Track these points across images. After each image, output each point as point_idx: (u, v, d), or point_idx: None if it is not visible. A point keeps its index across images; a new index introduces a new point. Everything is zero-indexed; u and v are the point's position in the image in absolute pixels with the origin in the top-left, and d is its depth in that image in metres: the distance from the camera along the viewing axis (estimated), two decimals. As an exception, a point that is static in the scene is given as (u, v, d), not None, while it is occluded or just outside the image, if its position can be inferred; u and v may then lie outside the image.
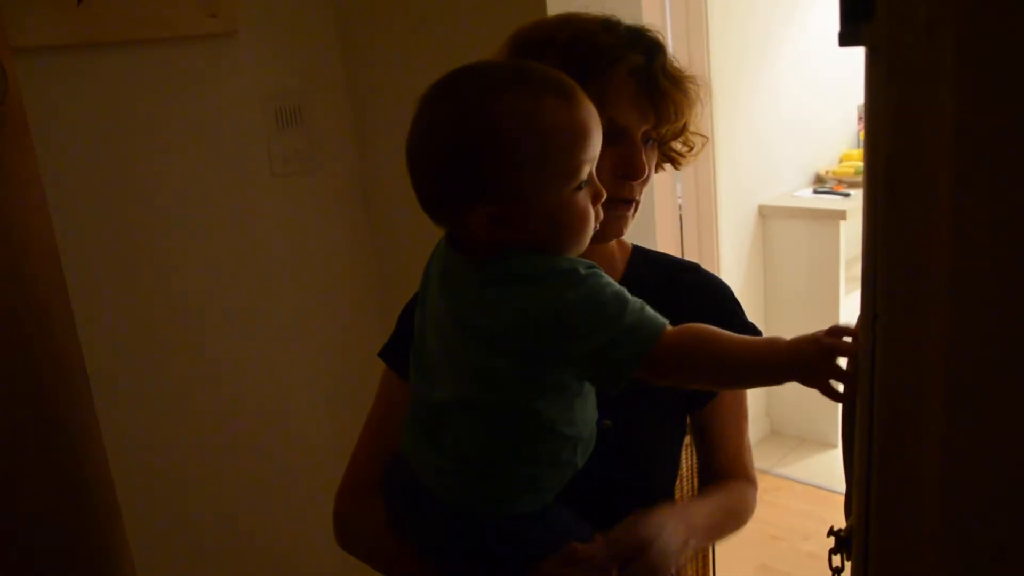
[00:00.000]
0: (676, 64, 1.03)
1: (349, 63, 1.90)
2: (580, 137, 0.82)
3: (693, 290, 1.12)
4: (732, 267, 3.24)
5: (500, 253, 0.84)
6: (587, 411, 0.93)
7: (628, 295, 0.81)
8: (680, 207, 3.21)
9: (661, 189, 2.96)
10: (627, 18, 1.06)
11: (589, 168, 0.84)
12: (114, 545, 0.86)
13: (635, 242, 1.18)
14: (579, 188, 0.83)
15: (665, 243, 3.00)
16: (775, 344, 0.79)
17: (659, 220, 2.48)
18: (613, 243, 1.13)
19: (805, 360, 0.76)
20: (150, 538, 1.67)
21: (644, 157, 0.99)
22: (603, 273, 0.83)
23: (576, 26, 0.99)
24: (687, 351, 0.81)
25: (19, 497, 0.75)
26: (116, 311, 1.62)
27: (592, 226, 0.86)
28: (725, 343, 0.81)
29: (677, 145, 1.09)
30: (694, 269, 1.15)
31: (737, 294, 1.15)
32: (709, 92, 1.08)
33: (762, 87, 3.21)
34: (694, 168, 1.19)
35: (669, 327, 0.81)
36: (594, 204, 0.85)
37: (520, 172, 0.81)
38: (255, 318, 1.83)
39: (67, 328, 0.81)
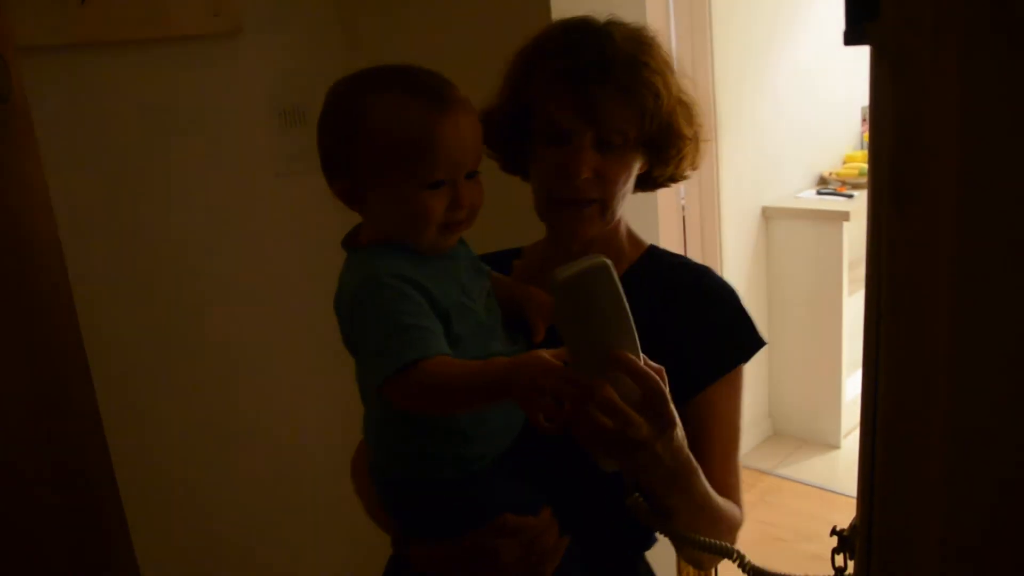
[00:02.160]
0: (629, 65, 1.01)
1: (353, 63, 1.89)
2: (432, 144, 0.89)
3: (698, 293, 1.11)
4: (735, 268, 3.24)
5: (355, 245, 1.00)
6: None
7: (400, 325, 0.86)
8: (683, 208, 3.21)
9: (664, 191, 2.95)
10: (627, 19, 1.07)
11: (443, 174, 0.90)
12: (117, 542, 0.86)
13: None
14: (430, 188, 0.90)
15: (668, 244, 2.97)
16: (489, 365, 0.85)
17: (663, 222, 2.48)
18: (623, 240, 1.14)
19: (507, 380, 0.82)
20: (153, 535, 1.67)
21: (584, 158, 1.01)
22: (404, 297, 0.88)
23: (542, 32, 1.08)
24: (428, 387, 0.85)
25: (20, 494, 0.75)
26: (119, 310, 1.62)
27: (435, 228, 0.92)
28: (449, 375, 0.85)
29: (667, 152, 1.08)
30: (704, 273, 1.14)
31: (740, 295, 1.14)
32: (689, 85, 1.08)
33: (765, 89, 3.21)
34: (697, 170, 1.18)
35: (422, 362, 0.84)
36: (451, 209, 0.92)
37: (368, 159, 0.92)
38: (258, 317, 1.83)
39: (70, 326, 0.81)
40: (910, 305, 0.50)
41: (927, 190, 0.47)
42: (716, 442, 1.08)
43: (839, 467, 3.19)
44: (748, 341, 1.11)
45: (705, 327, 1.09)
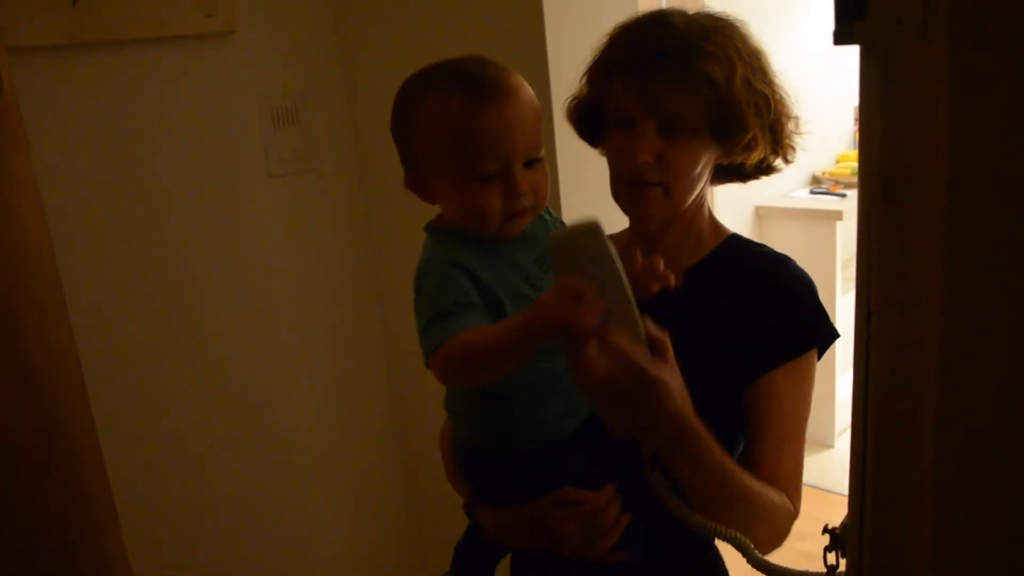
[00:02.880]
0: (684, 52, 1.03)
1: (346, 63, 1.90)
2: (473, 138, 0.91)
3: (775, 280, 1.12)
4: (729, 268, 3.24)
5: (429, 230, 1.01)
6: (547, 361, 0.96)
7: (441, 312, 0.90)
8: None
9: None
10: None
11: (493, 166, 0.91)
12: (110, 545, 0.86)
13: None
14: (481, 181, 0.92)
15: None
16: (510, 320, 0.89)
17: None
18: (705, 226, 1.17)
19: (540, 314, 0.84)
20: (147, 537, 1.67)
21: (643, 142, 1.04)
22: (450, 283, 0.91)
23: (618, 24, 1.12)
24: (454, 362, 0.89)
25: (11, 496, 0.75)
26: (112, 310, 1.62)
27: (493, 220, 0.93)
28: (481, 339, 0.88)
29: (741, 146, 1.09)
30: (783, 261, 1.14)
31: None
32: (773, 76, 1.09)
33: (758, 88, 3.21)
34: (792, 163, 1.19)
35: (447, 342, 0.88)
36: (507, 199, 0.93)
37: (424, 156, 0.96)
38: (252, 317, 1.83)
39: (62, 326, 0.81)
40: (900, 304, 0.50)
41: (917, 189, 0.47)
42: (775, 426, 1.07)
43: (833, 466, 3.19)
44: (821, 331, 1.11)
45: (778, 312, 1.10)
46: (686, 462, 0.95)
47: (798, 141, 1.14)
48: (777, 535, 1.06)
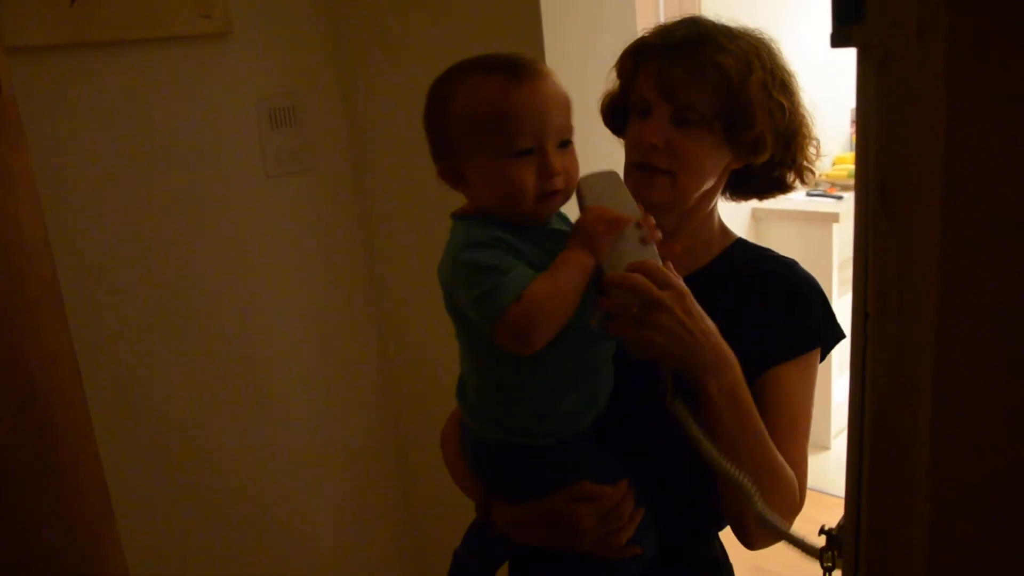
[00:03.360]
0: (703, 43, 1.06)
1: (342, 64, 1.90)
2: (509, 112, 0.93)
3: (782, 282, 1.15)
4: (725, 269, 3.25)
5: (457, 217, 1.02)
6: (566, 355, 0.99)
7: (501, 273, 0.92)
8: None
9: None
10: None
11: (528, 141, 0.94)
12: (106, 546, 0.86)
13: None
14: (516, 157, 0.94)
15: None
16: (558, 261, 0.94)
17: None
18: (715, 230, 1.20)
19: (585, 235, 0.93)
20: (142, 536, 1.67)
21: (655, 126, 1.07)
22: (504, 250, 0.94)
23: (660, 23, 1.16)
24: (528, 317, 0.90)
25: (7, 496, 0.75)
26: (108, 310, 1.62)
27: (529, 196, 0.95)
28: (552, 287, 0.92)
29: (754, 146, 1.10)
30: (790, 265, 1.17)
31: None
32: (797, 96, 1.11)
33: (755, 90, 3.21)
34: (808, 185, 1.22)
35: (514, 304, 0.90)
36: (541, 178, 0.95)
37: (458, 139, 0.97)
38: (248, 318, 1.83)
39: (59, 325, 0.81)
40: (896, 306, 0.50)
41: (913, 191, 0.47)
42: (781, 416, 1.08)
43: (830, 467, 3.19)
44: (827, 330, 1.14)
45: (786, 312, 1.12)
46: (713, 378, 0.97)
47: (817, 165, 1.17)
48: (785, 511, 1.02)
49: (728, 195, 1.22)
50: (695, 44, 1.06)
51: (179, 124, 1.67)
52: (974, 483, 0.48)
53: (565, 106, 0.98)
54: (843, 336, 1.13)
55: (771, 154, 1.11)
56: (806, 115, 1.13)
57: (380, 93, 1.86)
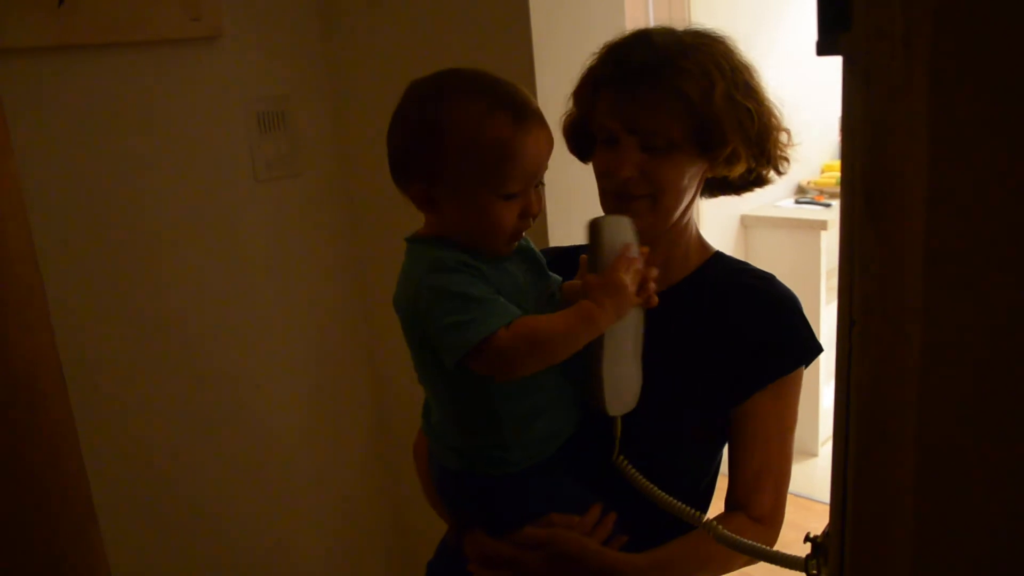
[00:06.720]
0: (659, 69, 1.04)
1: (332, 68, 1.90)
2: (512, 156, 0.92)
3: (760, 298, 1.13)
4: (714, 276, 3.25)
5: (415, 241, 1.00)
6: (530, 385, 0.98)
7: (483, 293, 0.92)
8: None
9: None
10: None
11: (519, 186, 0.94)
12: (89, 554, 0.85)
13: None
14: (505, 199, 0.94)
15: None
16: (579, 306, 0.94)
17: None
18: (691, 244, 1.18)
19: (611, 288, 0.94)
20: (127, 546, 1.65)
21: (625, 158, 1.06)
22: (472, 275, 0.92)
23: (604, 44, 1.13)
24: (520, 347, 0.90)
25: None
26: (96, 314, 1.61)
27: (506, 235, 0.96)
28: (547, 324, 0.92)
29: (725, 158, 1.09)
30: (767, 279, 1.16)
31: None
32: (758, 88, 1.10)
33: (744, 98, 3.22)
34: (785, 175, 1.21)
35: (500, 331, 0.90)
36: (522, 217, 0.96)
37: (452, 166, 0.94)
38: (237, 322, 1.82)
39: (43, 331, 0.81)
40: (882, 313, 0.50)
41: (898, 200, 0.48)
42: (754, 458, 1.10)
43: (816, 475, 3.20)
44: (806, 348, 1.12)
45: (764, 332, 1.11)
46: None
47: (791, 153, 1.14)
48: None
49: (706, 194, 1.20)
50: (652, 70, 1.04)
51: (167, 127, 1.66)
52: (960, 491, 0.48)
53: (551, 150, 0.98)
54: (821, 350, 1.12)
55: (746, 163, 1.10)
56: (773, 108, 1.11)
57: (369, 97, 1.86)
